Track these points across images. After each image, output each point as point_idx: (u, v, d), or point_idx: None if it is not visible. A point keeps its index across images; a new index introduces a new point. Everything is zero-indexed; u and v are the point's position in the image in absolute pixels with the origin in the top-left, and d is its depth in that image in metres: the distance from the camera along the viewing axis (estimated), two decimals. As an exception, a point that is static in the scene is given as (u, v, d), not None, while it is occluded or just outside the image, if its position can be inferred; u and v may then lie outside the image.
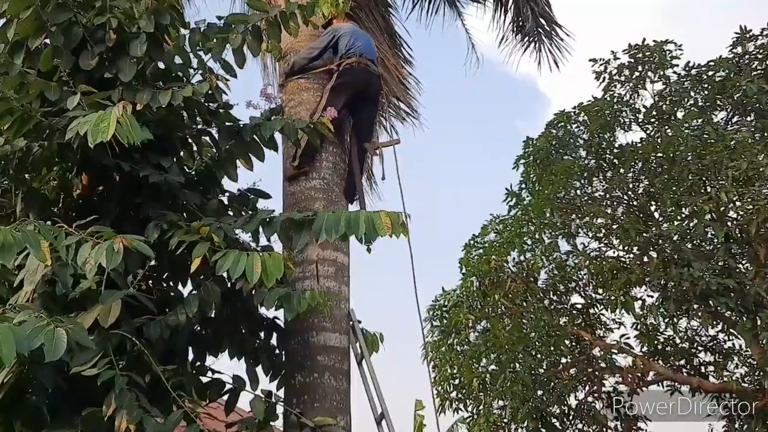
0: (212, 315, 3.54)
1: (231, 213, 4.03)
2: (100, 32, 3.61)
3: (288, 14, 3.79)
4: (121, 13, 3.57)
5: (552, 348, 10.26)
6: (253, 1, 3.89)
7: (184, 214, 3.72)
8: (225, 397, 3.66)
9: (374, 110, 5.10)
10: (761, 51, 10.40)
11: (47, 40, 3.53)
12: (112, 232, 2.93)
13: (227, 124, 3.92)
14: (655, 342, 10.01)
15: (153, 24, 3.55)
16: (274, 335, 4.08)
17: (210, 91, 3.68)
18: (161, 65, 3.83)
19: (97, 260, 2.67)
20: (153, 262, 3.46)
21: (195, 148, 4.03)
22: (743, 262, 9.42)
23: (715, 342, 10.19)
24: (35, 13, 3.45)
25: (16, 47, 3.55)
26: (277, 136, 4.11)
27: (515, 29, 7.76)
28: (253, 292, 3.36)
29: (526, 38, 7.70)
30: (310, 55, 4.81)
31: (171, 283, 3.82)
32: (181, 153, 3.98)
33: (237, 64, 3.81)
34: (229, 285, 3.59)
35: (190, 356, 3.72)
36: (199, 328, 3.78)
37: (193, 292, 3.47)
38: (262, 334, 4.03)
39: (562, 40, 7.59)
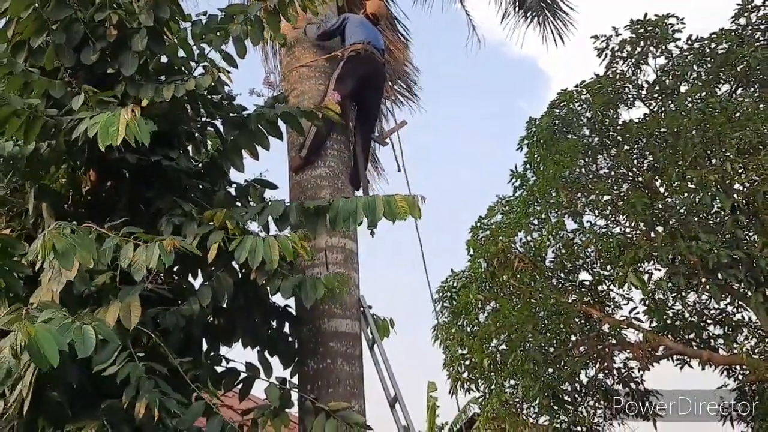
0: (225, 305, 3.58)
1: (239, 204, 4.06)
2: (100, 28, 3.62)
3: (287, 2, 3.80)
4: (121, 8, 3.58)
5: (561, 326, 10.29)
6: (254, -9, 3.90)
7: (194, 206, 3.75)
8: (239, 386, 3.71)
9: (379, 98, 5.12)
10: (764, 21, 10.30)
11: (49, 38, 3.55)
12: (143, 231, 2.98)
13: (231, 115, 3.93)
14: (664, 317, 10.02)
15: (153, 18, 3.57)
16: (286, 323, 4.12)
17: (213, 84, 3.69)
18: (163, 59, 3.84)
19: (148, 262, 2.74)
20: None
21: (200, 141, 4.05)
22: (751, 233, 9.40)
23: (724, 315, 10.20)
24: (36, 12, 3.47)
25: (19, 46, 3.57)
26: (282, 126, 4.12)
27: (517, 4, 7.70)
28: (266, 281, 3.39)
29: (529, 13, 7.65)
30: (319, 30, 4.88)
31: (182, 276, 3.86)
32: (188, 146, 4.00)
33: (238, 55, 3.82)
34: (240, 275, 3.63)
35: (204, 347, 3.78)
36: (212, 318, 3.83)
37: (206, 283, 3.51)
38: (274, 323, 4.08)
39: (565, 14, 7.56)
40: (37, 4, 3.44)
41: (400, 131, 5.27)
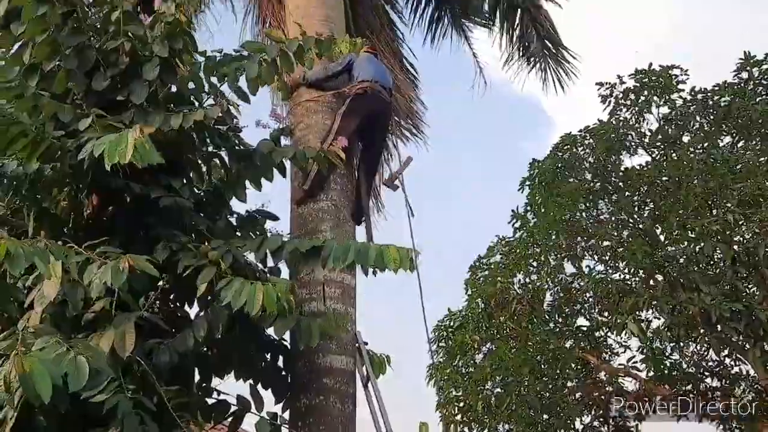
0: (219, 336, 3.55)
1: (239, 234, 4.06)
2: (113, 55, 3.67)
3: (305, 50, 3.87)
4: (135, 37, 3.63)
5: (558, 371, 10.19)
6: (271, 33, 3.98)
7: (193, 235, 3.75)
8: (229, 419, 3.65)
9: (384, 136, 5.16)
10: (765, 76, 10.46)
11: (61, 63, 3.60)
12: (120, 252, 2.95)
13: (237, 147, 3.96)
14: (662, 366, 9.93)
15: (167, 48, 3.61)
16: (281, 357, 4.08)
17: (221, 115, 3.72)
18: (173, 88, 3.88)
19: (103, 280, 2.69)
20: (161, 283, 3.48)
21: (205, 170, 4.06)
22: (750, 285, 9.37)
23: (722, 367, 10.11)
24: (50, 36, 3.51)
25: (31, 70, 3.61)
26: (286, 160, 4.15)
27: (521, 51, 7.84)
28: (261, 316, 3.37)
29: (532, 59, 7.79)
30: (325, 73, 4.85)
31: (178, 303, 3.84)
32: (191, 174, 4.02)
33: (250, 91, 3.86)
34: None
35: (196, 377, 3.73)
36: (205, 349, 3.79)
37: (201, 314, 3.48)
38: (268, 356, 4.03)
39: (567, 62, 7.68)
40: (52, 29, 3.48)
41: (406, 169, 5.28)
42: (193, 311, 3.77)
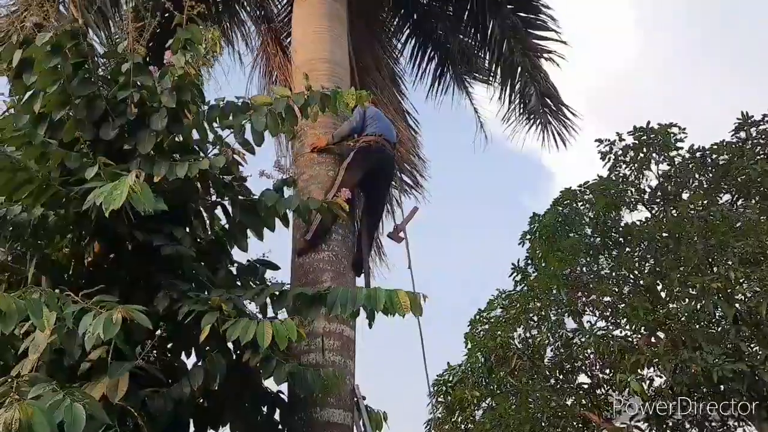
0: (216, 387, 3.50)
1: (240, 284, 4.05)
2: (122, 105, 3.73)
3: (311, 106, 3.95)
4: (144, 88, 3.70)
5: (559, 429, 9.99)
6: (278, 88, 4.07)
7: (193, 284, 3.74)
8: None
9: (387, 189, 5.21)
10: (763, 136, 10.61)
11: (70, 112, 3.65)
12: (116, 302, 2.93)
13: (241, 197, 3.99)
14: (664, 426, 9.73)
15: (175, 99, 3.67)
16: (277, 410, 4.01)
17: (225, 165, 3.76)
18: (179, 137, 3.93)
19: (95, 331, 2.67)
20: (158, 332, 3.45)
21: (207, 219, 4.08)
22: (753, 345, 9.28)
23: (725, 427, 9.91)
24: (61, 86, 3.58)
25: (41, 118, 3.66)
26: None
27: (521, 108, 7.97)
28: (259, 365, 3.33)
29: (532, 116, 7.91)
30: (351, 130, 4.90)
31: (175, 354, 3.80)
32: (194, 223, 4.03)
33: (255, 143, 3.91)
34: (234, 357, 3.57)
35: (191, 429, 3.66)
36: (201, 399, 3.73)
37: (199, 363, 3.44)
38: (264, 409, 3.96)
39: (567, 119, 7.80)
40: (63, 80, 3.55)
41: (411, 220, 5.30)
42: (190, 362, 3.73)
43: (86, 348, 2.82)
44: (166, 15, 3.81)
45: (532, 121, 7.93)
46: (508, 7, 7.52)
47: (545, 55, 7.62)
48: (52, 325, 2.69)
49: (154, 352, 3.51)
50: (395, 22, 8.20)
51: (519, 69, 7.67)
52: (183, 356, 3.77)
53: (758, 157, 10.39)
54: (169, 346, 3.74)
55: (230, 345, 3.47)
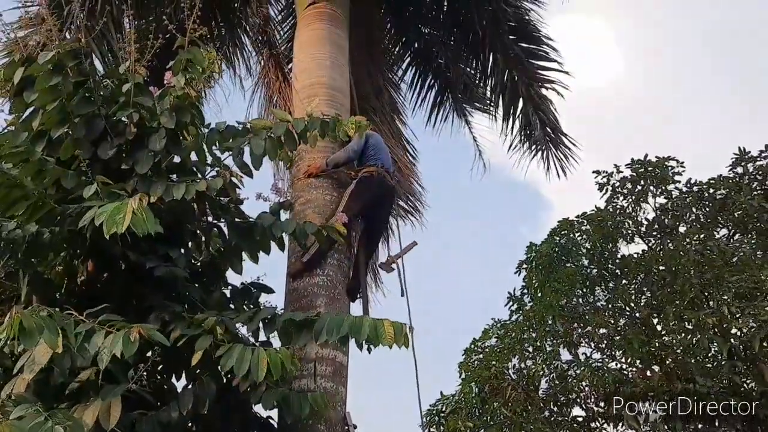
0: (205, 411, 3.45)
1: (233, 306, 4.02)
2: (121, 125, 3.74)
3: (310, 132, 3.98)
4: (143, 108, 3.71)
5: (553, 463, 9.87)
6: (279, 112, 4.09)
7: (186, 306, 3.71)
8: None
9: (387, 218, 5.26)
10: (760, 172, 10.67)
11: (69, 130, 3.66)
12: (123, 321, 2.91)
13: (237, 220, 3.98)
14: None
15: (174, 120, 3.68)
16: (267, 436, 3.96)
17: (223, 187, 3.76)
18: (177, 158, 3.94)
19: (112, 350, 2.64)
20: (150, 354, 3.42)
21: (203, 240, 4.07)
22: (748, 380, 9.22)
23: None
24: (60, 104, 3.59)
25: (39, 136, 3.66)
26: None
27: (523, 138, 8.03)
28: (249, 389, 3.29)
29: (535, 146, 7.96)
30: (347, 157, 4.93)
31: (165, 376, 3.75)
32: (189, 244, 4.01)
33: (253, 166, 3.92)
34: (224, 380, 3.53)
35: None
36: (190, 423, 3.68)
37: (188, 387, 3.40)
38: (254, 434, 3.91)
39: (568, 149, 7.85)
40: (63, 98, 3.57)
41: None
42: (180, 384, 3.69)
43: (101, 367, 2.78)
44: (168, 37, 3.84)
45: (534, 151, 7.98)
46: (510, 37, 7.60)
47: (546, 85, 7.69)
48: (60, 344, 2.67)
49: (145, 374, 3.48)
50: (396, 51, 8.29)
51: (521, 99, 7.74)
52: (173, 379, 3.74)
53: (755, 193, 10.44)
54: (159, 368, 3.71)
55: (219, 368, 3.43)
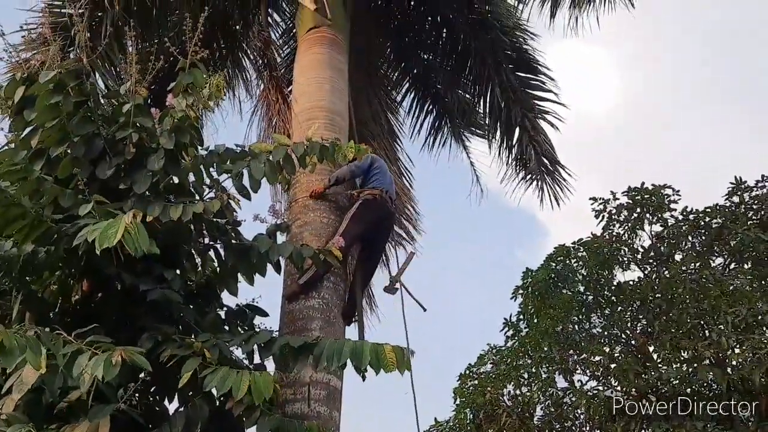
0: (197, 434, 3.41)
1: (228, 328, 4.00)
2: (120, 145, 3.75)
3: (309, 156, 4.00)
4: (143, 129, 3.73)
5: (547, 492, 9.76)
6: (278, 137, 4.13)
7: (180, 327, 3.69)
8: None
9: (385, 241, 5.27)
10: (756, 202, 10.72)
11: (68, 150, 3.67)
12: (110, 342, 2.89)
13: (234, 242, 3.98)
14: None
15: (173, 141, 3.70)
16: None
17: (220, 209, 3.76)
18: (175, 179, 3.94)
19: (94, 372, 2.61)
20: (142, 375, 3.39)
21: (199, 262, 4.06)
22: (746, 413, 9.16)
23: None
24: (60, 123, 3.60)
25: (38, 154, 3.67)
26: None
27: (518, 167, 8.07)
28: (242, 414, 3.26)
29: (530, 175, 8.01)
30: (351, 174, 4.95)
31: (158, 397, 3.72)
32: (185, 265, 4.00)
33: (251, 188, 3.93)
34: (217, 404, 3.49)
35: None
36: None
37: (181, 409, 3.37)
38: (246, 460, 3.86)
39: (563, 179, 7.89)
40: (63, 117, 3.58)
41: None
42: (172, 407, 3.65)
43: (82, 389, 2.75)
44: (171, 60, 3.88)
45: (530, 182, 8.01)
46: (509, 66, 7.68)
47: (542, 115, 7.75)
48: (44, 365, 2.64)
49: (136, 395, 3.44)
50: (395, 76, 8.36)
51: (517, 128, 7.79)
52: (165, 401, 3.71)
53: (750, 223, 10.48)
54: (151, 389, 3.68)
55: (214, 391, 3.40)
